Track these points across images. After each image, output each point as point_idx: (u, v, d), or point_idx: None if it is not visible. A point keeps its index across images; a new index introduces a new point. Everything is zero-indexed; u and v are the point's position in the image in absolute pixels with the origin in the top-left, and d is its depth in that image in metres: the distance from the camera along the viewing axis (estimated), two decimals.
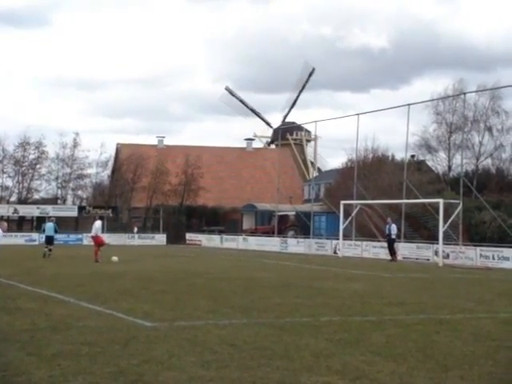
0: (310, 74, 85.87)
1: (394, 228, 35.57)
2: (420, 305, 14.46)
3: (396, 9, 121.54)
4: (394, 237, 35.59)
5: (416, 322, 11.67)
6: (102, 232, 54.98)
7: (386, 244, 37.19)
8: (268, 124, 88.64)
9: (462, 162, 44.78)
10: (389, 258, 35.04)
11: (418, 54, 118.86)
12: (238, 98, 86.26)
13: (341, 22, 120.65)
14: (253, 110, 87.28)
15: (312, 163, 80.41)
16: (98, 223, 30.04)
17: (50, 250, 31.20)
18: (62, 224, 54.17)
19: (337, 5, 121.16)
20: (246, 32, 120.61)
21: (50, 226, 32.49)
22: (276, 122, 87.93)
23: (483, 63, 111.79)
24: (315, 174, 73.03)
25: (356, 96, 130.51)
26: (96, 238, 29.23)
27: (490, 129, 55.29)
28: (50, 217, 38.94)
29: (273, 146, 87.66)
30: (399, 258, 35.48)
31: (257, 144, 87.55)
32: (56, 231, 33.07)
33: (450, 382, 7.42)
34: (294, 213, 55.65)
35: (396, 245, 36.01)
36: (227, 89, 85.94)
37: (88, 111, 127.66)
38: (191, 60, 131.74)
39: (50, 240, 32.00)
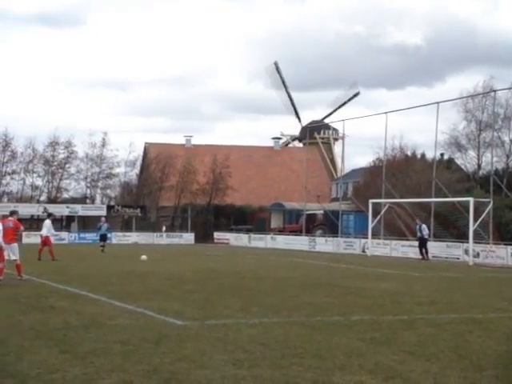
0: (355, 95, 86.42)
1: (424, 228, 35.39)
2: (451, 304, 14.35)
3: (431, 6, 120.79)
4: (426, 237, 35.44)
5: (448, 322, 11.58)
6: (131, 231, 56.05)
7: (415, 243, 37.02)
8: (298, 117, 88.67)
9: (492, 160, 44.48)
10: (419, 257, 34.83)
11: (454, 51, 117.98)
12: (281, 77, 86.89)
13: (374, 20, 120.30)
14: (289, 96, 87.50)
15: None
16: (47, 222, 28.97)
17: (103, 245, 35.99)
18: (91, 223, 54.68)
19: (370, 3, 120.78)
20: (279, 31, 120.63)
21: (105, 226, 37.19)
22: (305, 121, 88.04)
23: None
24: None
25: (391, 94, 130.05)
26: (46, 238, 28.15)
27: None
28: (102, 217, 40.77)
29: (299, 144, 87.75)
30: (425, 256, 35.20)
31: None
32: (108, 230, 38.79)
33: (484, 382, 7.35)
34: (322, 211, 55.50)
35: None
36: (275, 63, 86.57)
37: (118, 110, 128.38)
38: (223, 59, 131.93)
39: (104, 237, 37.03)
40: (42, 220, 57.88)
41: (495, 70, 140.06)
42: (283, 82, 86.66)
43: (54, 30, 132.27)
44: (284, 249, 45.94)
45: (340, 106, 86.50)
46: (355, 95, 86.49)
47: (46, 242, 28.24)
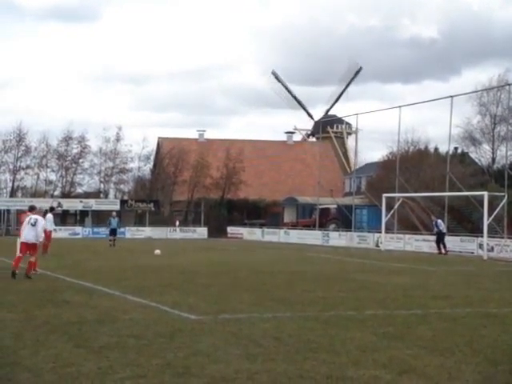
0: (357, 73, 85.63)
1: (441, 223, 35.33)
2: (466, 298, 14.29)
3: None
4: (444, 231, 35.36)
5: (462, 316, 11.53)
6: (145, 225, 56.19)
7: (429, 237, 36.92)
8: (309, 115, 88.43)
9: (506, 154, 44.12)
10: (436, 251, 34.70)
11: (469, 45, 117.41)
12: (283, 83, 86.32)
13: (389, 12, 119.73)
14: (295, 98, 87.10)
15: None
16: (49, 216, 27.86)
17: (114, 240, 36.12)
18: (105, 218, 54.85)
19: None
20: (293, 24, 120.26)
21: (115, 221, 37.79)
22: (319, 114, 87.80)
23: None
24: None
25: (407, 87, 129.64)
26: (46, 232, 28.08)
27: None
28: (113, 211, 42.24)
29: (312, 139, 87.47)
30: (442, 250, 35.07)
31: (297, 137, 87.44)
32: (118, 225, 39.19)
33: (499, 377, 7.32)
34: (335, 206, 55.40)
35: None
36: (273, 73, 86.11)
37: (132, 105, 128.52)
38: (237, 53, 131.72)
39: (114, 232, 37.03)
40: (57, 215, 58.65)
41: (511, 64, 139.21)
42: (286, 88, 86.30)
43: (69, 24, 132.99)
44: (297, 243, 45.92)
45: (346, 87, 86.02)
46: (358, 72, 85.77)
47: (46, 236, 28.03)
